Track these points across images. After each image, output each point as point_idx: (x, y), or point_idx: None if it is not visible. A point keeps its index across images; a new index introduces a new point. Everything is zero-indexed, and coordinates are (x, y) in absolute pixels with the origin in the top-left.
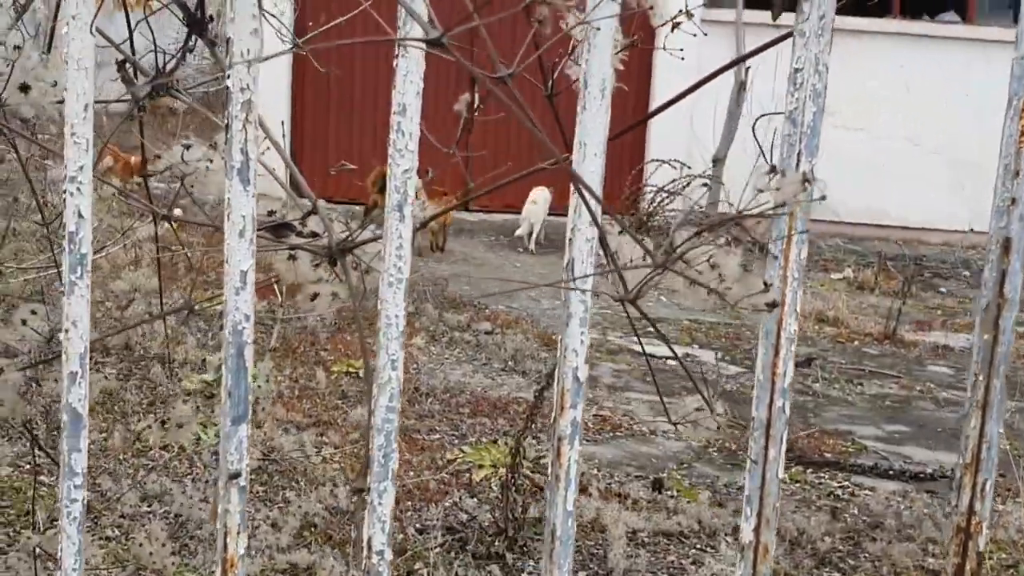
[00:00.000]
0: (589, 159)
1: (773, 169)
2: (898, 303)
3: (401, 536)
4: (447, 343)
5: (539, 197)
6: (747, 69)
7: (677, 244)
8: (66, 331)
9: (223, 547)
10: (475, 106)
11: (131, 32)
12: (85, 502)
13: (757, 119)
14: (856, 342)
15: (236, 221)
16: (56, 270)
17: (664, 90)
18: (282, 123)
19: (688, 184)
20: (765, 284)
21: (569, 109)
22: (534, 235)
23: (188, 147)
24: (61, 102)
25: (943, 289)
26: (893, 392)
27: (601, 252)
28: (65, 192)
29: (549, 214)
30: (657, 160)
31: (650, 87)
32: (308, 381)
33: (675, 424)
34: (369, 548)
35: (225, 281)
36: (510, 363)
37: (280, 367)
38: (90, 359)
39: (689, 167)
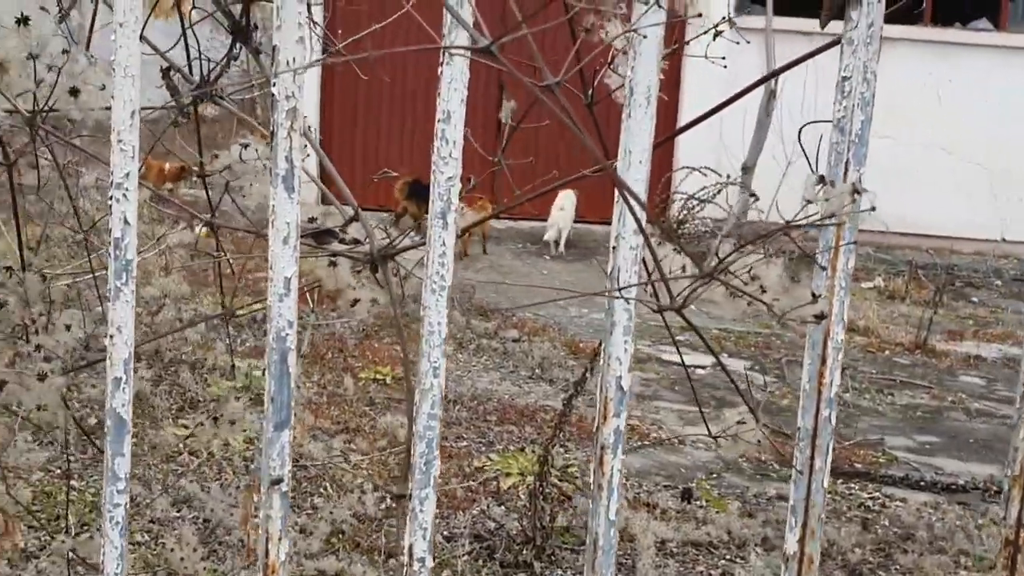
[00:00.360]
0: (634, 167)
1: (822, 179)
2: (929, 312)
3: None
4: (475, 350)
5: (566, 202)
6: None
7: (723, 255)
8: (111, 337)
9: (264, 553)
10: (522, 114)
11: (187, 42)
12: (127, 507)
13: (803, 128)
14: (887, 352)
15: (280, 228)
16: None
17: (694, 98)
18: (309, 128)
19: (719, 192)
20: (813, 295)
21: (605, 118)
22: (562, 241)
23: (246, 146)
24: (109, 108)
25: (975, 298)
26: (924, 402)
27: (646, 260)
28: (111, 199)
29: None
30: (687, 167)
31: (679, 95)
32: (336, 388)
33: (715, 437)
34: (411, 556)
35: (269, 288)
36: (537, 371)
37: (308, 373)
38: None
39: (719, 174)
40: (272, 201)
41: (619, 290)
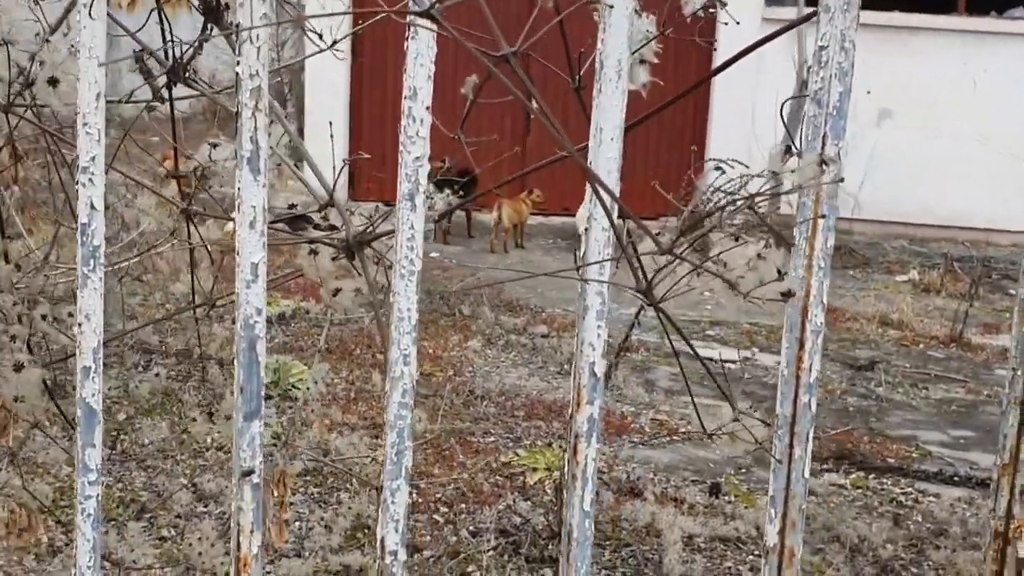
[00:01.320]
0: (606, 144)
1: (789, 150)
2: (965, 305)
3: (454, 538)
4: (503, 346)
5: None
6: (809, 67)
7: (696, 233)
8: (79, 325)
9: (236, 546)
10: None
11: (162, 26)
12: (100, 499)
13: (785, 102)
14: (921, 345)
15: (247, 212)
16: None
17: (724, 89)
18: (330, 124)
19: (746, 183)
20: (779, 272)
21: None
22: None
23: (215, 146)
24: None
25: (1012, 291)
26: (959, 396)
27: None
28: (77, 183)
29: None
30: (714, 160)
31: (710, 86)
32: (364, 383)
33: (710, 435)
34: (383, 548)
35: (236, 274)
36: (566, 366)
37: (336, 369)
38: (148, 360)
39: (747, 166)
40: (237, 184)
41: (586, 270)
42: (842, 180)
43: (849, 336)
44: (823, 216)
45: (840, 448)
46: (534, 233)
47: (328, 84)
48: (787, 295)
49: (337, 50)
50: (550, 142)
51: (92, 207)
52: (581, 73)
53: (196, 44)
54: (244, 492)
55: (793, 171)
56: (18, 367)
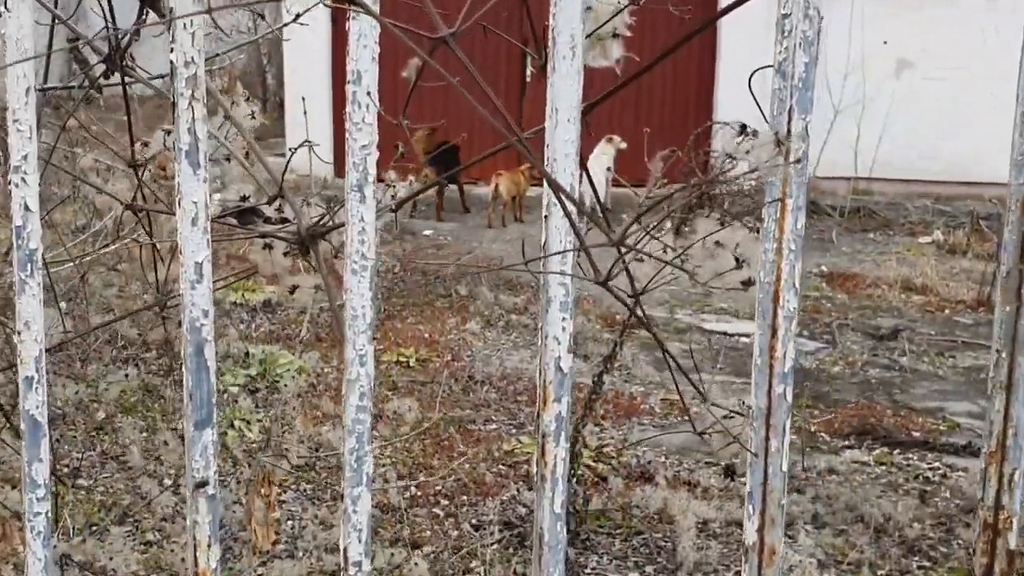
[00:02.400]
0: (562, 126)
1: (744, 129)
2: (993, 267)
3: (456, 533)
4: (503, 327)
5: (600, 161)
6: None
7: (658, 219)
8: (19, 333)
9: (193, 561)
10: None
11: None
12: (50, 515)
13: (753, 73)
14: (947, 311)
15: (188, 208)
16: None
17: (731, 55)
18: (303, 99)
19: (750, 150)
20: (737, 260)
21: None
22: (587, 204)
23: (168, 132)
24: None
25: None
26: (988, 364)
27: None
28: (9, 183)
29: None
30: (719, 122)
31: (715, 52)
32: None
33: (700, 435)
34: (346, 559)
35: (180, 274)
36: (571, 346)
37: (327, 358)
38: (130, 355)
39: (756, 131)
40: (177, 179)
41: (546, 261)
42: (798, 162)
43: (870, 303)
44: (786, 197)
45: (862, 423)
46: (535, 205)
47: (308, 53)
48: (747, 283)
49: (303, 23)
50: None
51: (26, 208)
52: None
53: (132, 31)
54: (199, 505)
55: (748, 153)
56: None
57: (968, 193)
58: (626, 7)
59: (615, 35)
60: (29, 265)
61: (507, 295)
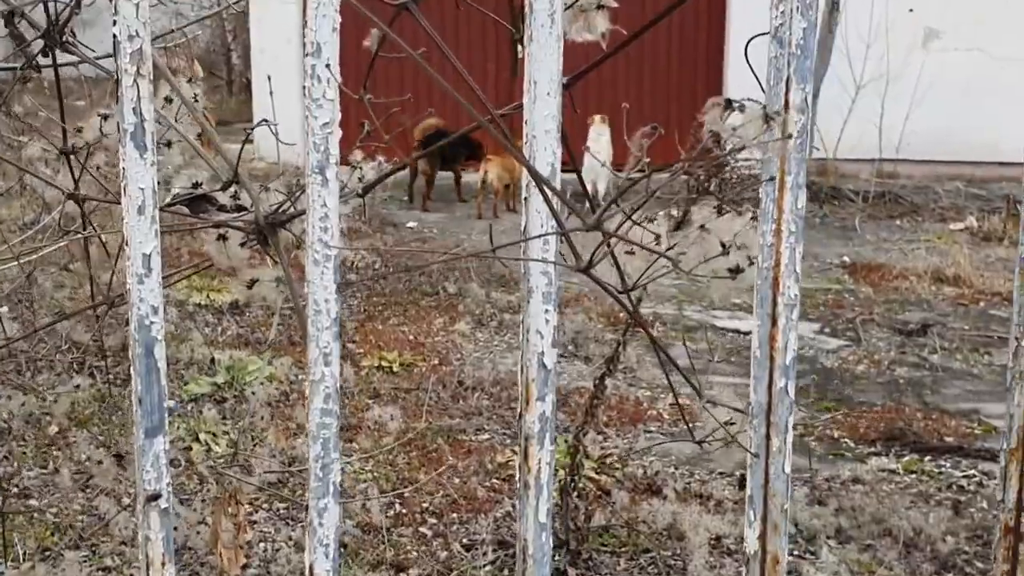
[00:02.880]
0: (541, 100)
1: (729, 104)
2: None
3: (445, 553)
4: (496, 328)
5: (600, 143)
6: None
7: (629, 204)
8: None
9: None
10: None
11: None
12: None
13: (749, 41)
14: (981, 303)
15: (134, 195)
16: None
17: (740, 29)
18: (269, 78)
19: (736, 128)
20: (723, 245)
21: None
22: (601, 191)
23: (106, 117)
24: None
25: None
26: None
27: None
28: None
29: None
30: (727, 99)
31: (724, 26)
32: None
33: (700, 443)
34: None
35: (127, 267)
36: (570, 347)
37: (301, 364)
38: (84, 363)
39: (744, 106)
40: (122, 164)
41: (527, 248)
42: (791, 136)
43: (897, 296)
44: (782, 175)
45: (890, 427)
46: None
47: (277, 28)
48: (735, 271)
49: None
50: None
51: None
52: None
53: (73, 3)
54: (151, 519)
55: (735, 129)
56: None
57: (1003, 175)
58: None
59: (600, 6)
60: None
61: (500, 292)
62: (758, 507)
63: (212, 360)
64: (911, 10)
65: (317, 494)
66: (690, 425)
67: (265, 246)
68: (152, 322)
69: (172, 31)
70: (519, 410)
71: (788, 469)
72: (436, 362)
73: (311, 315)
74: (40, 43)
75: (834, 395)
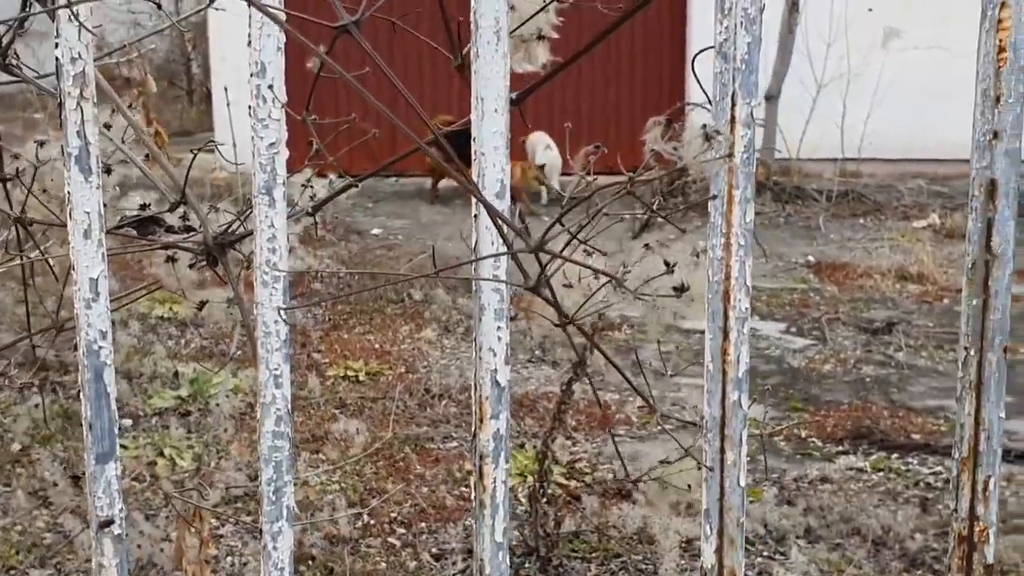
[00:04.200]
0: (489, 117)
1: (670, 123)
2: None
3: (414, 563)
4: (463, 334)
5: (546, 148)
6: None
7: (569, 224)
8: None
9: None
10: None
11: None
12: None
13: (696, 55)
14: (946, 300)
15: (80, 219)
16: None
17: (703, 30)
18: (225, 89)
19: (676, 147)
20: (667, 264)
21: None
22: (543, 195)
23: (42, 144)
24: None
25: None
26: None
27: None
28: None
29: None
30: (692, 104)
31: (685, 28)
32: (299, 389)
33: (634, 482)
34: None
35: (74, 293)
36: (537, 352)
37: None
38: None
39: (683, 124)
40: (67, 187)
41: (477, 266)
42: (731, 156)
43: (862, 295)
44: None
45: (857, 426)
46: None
47: (238, 36)
48: (680, 290)
49: (219, 8)
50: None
51: None
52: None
53: (15, 23)
54: (104, 546)
55: (675, 149)
56: None
57: (966, 172)
58: (549, 3)
59: (540, 37)
60: None
61: (466, 298)
62: (714, 521)
63: (175, 373)
64: (870, 9)
65: (270, 517)
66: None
67: (214, 266)
68: (101, 347)
69: (125, 45)
70: (473, 429)
71: (743, 483)
72: (403, 370)
73: (260, 336)
74: None
75: (801, 394)
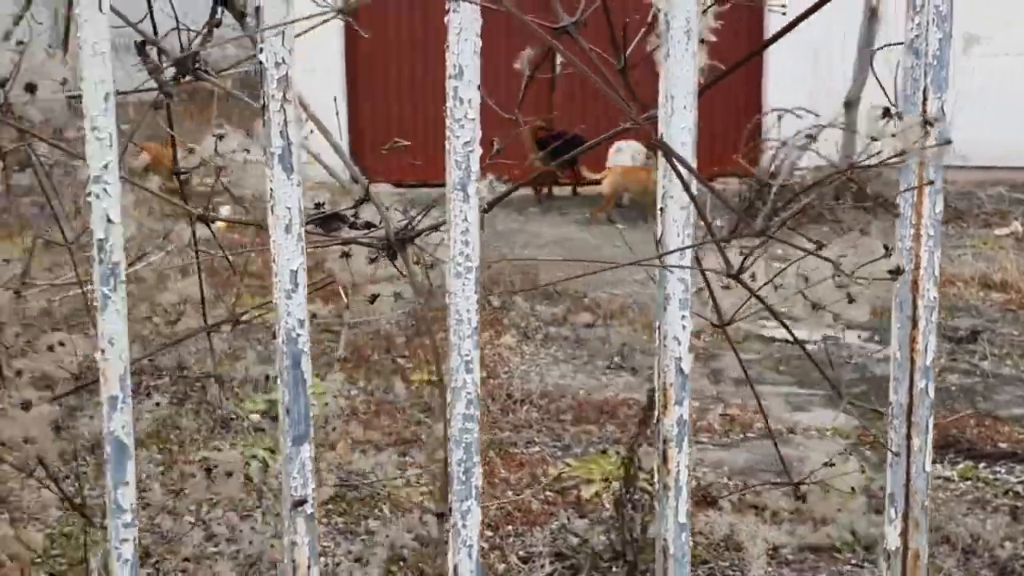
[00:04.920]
0: (678, 113)
1: (887, 112)
2: None
3: (503, 565)
4: (542, 340)
5: (626, 156)
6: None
7: (788, 207)
8: (102, 351)
9: None
10: (545, 64)
11: (151, 9)
12: (137, 542)
13: (877, 49)
14: None
15: (281, 215)
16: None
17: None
18: (335, 99)
19: (815, 137)
20: (886, 248)
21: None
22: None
23: (221, 137)
24: (75, 97)
25: None
26: None
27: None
28: (90, 194)
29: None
30: (777, 110)
31: (762, 30)
32: (385, 394)
33: (796, 484)
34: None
35: (274, 283)
36: (616, 359)
37: (353, 379)
38: (140, 382)
39: (817, 115)
40: (269, 184)
41: (664, 256)
42: (949, 142)
43: (945, 303)
44: (930, 182)
45: (943, 435)
46: (567, 206)
47: (324, 50)
48: (896, 272)
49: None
50: (579, 112)
51: (109, 220)
52: (627, 52)
53: (205, 31)
54: (297, 524)
55: (893, 135)
56: (26, 405)
57: None
58: (711, 6)
59: (701, 40)
60: (112, 279)
61: (544, 305)
62: (899, 504)
63: (267, 377)
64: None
65: (460, 496)
66: (787, 468)
67: (393, 260)
68: (299, 335)
69: (238, 63)
70: (656, 414)
71: (928, 467)
72: (484, 375)
73: (453, 324)
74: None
75: (885, 404)
